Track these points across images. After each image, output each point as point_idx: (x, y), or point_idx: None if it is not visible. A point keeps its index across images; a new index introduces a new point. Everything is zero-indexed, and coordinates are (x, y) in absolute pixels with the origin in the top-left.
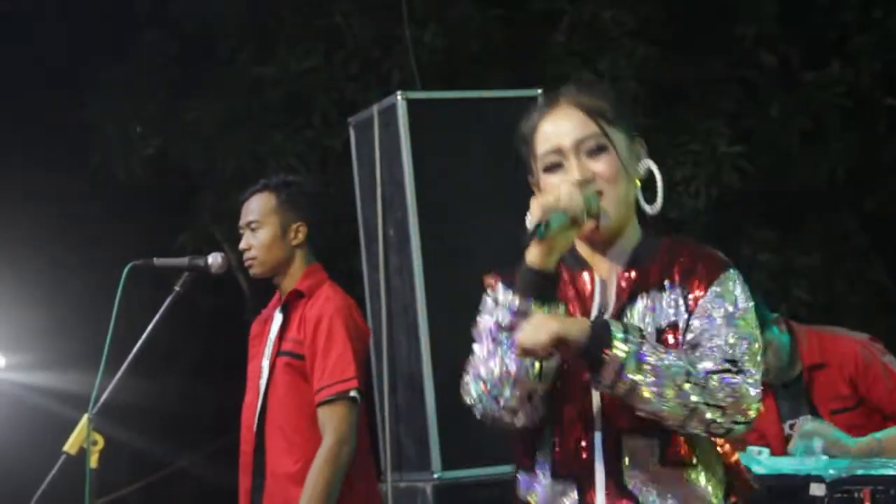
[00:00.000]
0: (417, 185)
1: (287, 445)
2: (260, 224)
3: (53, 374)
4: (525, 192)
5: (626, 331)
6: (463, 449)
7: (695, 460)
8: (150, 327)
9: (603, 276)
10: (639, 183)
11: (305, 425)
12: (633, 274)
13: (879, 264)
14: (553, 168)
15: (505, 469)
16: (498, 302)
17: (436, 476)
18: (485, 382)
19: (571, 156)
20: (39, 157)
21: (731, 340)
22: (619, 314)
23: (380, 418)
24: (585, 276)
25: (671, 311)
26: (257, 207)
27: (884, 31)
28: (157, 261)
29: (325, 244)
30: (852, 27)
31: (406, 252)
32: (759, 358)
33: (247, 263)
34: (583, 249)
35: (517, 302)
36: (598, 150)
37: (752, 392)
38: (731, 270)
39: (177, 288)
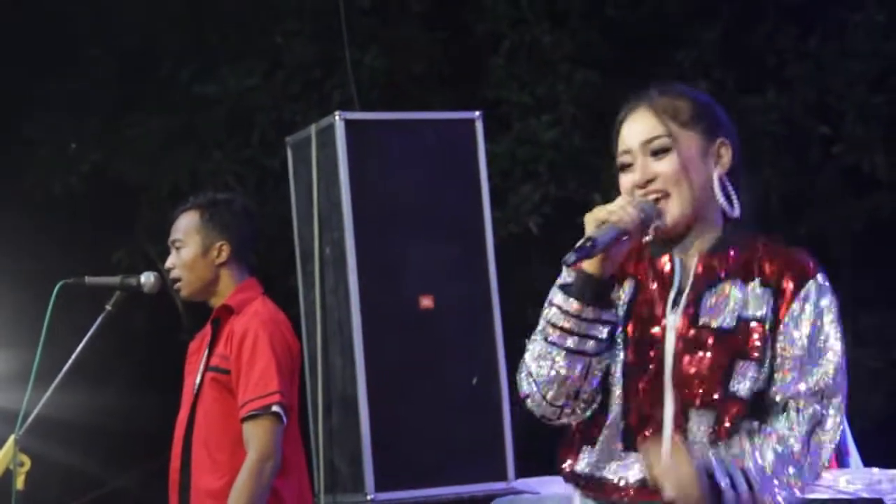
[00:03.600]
0: (354, 205)
1: (211, 462)
2: (183, 243)
3: None
4: (463, 210)
5: (728, 475)
6: (397, 470)
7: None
8: (80, 346)
9: (685, 260)
10: (716, 179)
11: (230, 441)
12: (714, 261)
13: None
14: (625, 168)
15: (437, 491)
16: (554, 303)
17: (369, 497)
18: (535, 381)
19: (639, 156)
20: None
21: (816, 372)
22: (696, 299)
23: (313, 438)
24: (665, 259)
25: (758, 303)
26: (182, 226)
27: (819, 59)
28: (88, 280)
29: (261, 263)
30: (789, 55)
31: (342, 271)
32: (839, 379)
33: (174, 285)
34: (670, 240)
35: (574, 306)
36: (662, 151)
37: (832, 432)
38: (820, 276)
39: (108, 307)
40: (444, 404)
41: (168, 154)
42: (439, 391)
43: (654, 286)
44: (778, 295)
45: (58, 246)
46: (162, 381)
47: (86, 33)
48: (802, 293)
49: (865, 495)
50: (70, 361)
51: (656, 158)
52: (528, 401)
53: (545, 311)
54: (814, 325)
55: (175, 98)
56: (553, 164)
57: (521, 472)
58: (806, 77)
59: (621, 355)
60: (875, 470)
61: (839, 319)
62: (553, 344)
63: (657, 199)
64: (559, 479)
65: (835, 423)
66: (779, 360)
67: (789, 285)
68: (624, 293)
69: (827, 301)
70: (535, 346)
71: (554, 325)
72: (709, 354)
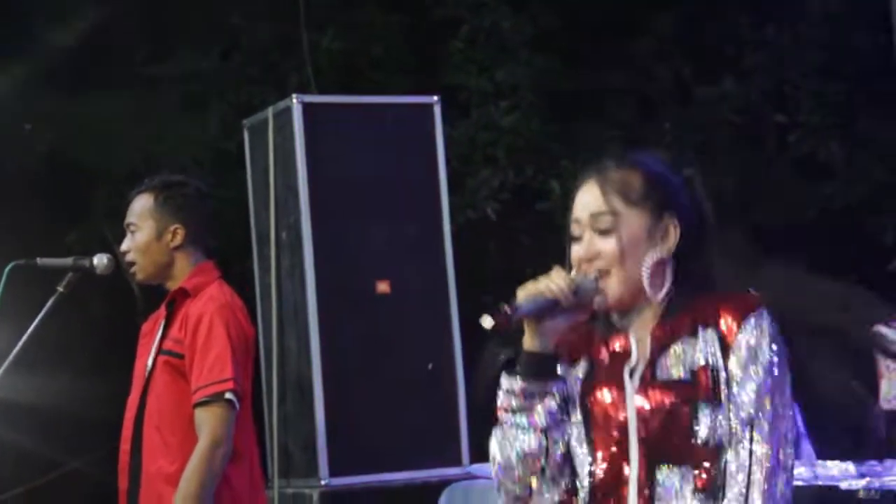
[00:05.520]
0: (311, 189)
1: (163, 446)
2: (137, 227)
3: None
4: (421, 196)
5: None
6: (351, 455)
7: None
8: (31, 327)
9: (637, 335)
10: (646, 263)
11: (182, 426)
12: (666, 327)
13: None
14: (574, 239)
15: (392, 476)
16: (503, 388)
17: (323, 483)
18: (502, 467)
19: (587, 230)
20: None
21: (761, 402)
22: (652, 363)
23: (268, 423)
24: (620, 336)
25: (704, 352)
26: (136, 209)
27: (776, 49)
28: (40, 261)
29: (218, 247)
30: (746, 44)
31: (298, 255)
32: (776, 401)
33: (130, 269)
34: (616, 314)
35: (518, 384)
36: (606, 231)
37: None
38: (760, 309)
39: (60, 288)
40: (399, 390)
41: (124, 136)
42: (395, 377)
43: (609, 361)
44: (722, 335)
45: (11, 228)
46: (119, 364)
47: (40, 11)
48: (744, 326)
49: (820, 483)
50: (21, 342)
51: (601, 236)
52: (503, 490)
53: (498, 400)
54: (753, 353)
55: (131, 79)
56: (511, 150)
57: (476, 458)
58: (763, 66)
59: (583, 430)
60: (829, 463)
61: (780, 344)
62: (508, 425)
63: (598, 277)
64: None
65: (764, 448)
66: (730, 397)
67: (732, 323)
68: (580, 371)
69: (767, 328)
70: (495, 435)
71: (505, 409)
72: (669, 408)
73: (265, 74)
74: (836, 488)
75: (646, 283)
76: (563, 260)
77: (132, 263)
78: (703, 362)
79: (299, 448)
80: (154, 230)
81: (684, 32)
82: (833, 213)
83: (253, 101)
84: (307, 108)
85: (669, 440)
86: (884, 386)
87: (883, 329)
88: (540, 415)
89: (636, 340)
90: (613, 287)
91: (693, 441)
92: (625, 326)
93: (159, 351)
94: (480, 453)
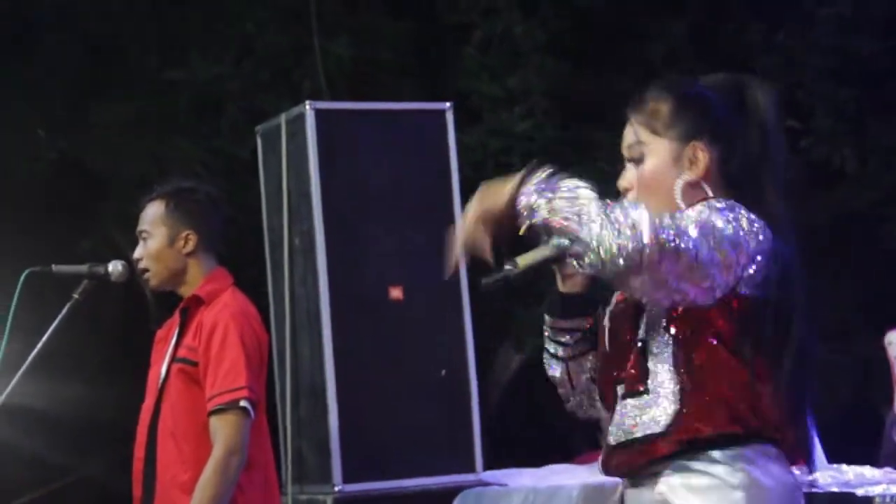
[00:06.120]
0: (324, 195)
1: (178, 454)
2: (149, 233)
3: None
4: (433, 202)
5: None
6: (365, 461)
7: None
8: (47, 334)
9: None
10: (678, 186)
11: (197, 434)
12: None
13: None
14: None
15: (405, 482)
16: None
17: (337, 489)
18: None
19: (627, 162)
20: None
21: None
22: None
23: (282, 429)
24: None
25: None
26: (148, 216)
27: (787, 53)
28: (55, 268)
29: (230, 253)
30: (757, 49)
31: (311, 261)
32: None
33: (143, 276)
34: None
35: (548, 320)
36: (637, 160)
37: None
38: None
39: (75, 295)
40: (412, 396)
41: (136, 142)
42: (408, 382)
43: None
44: None
45: (23, 235)
46: (131, 370)
47: (52, 18)
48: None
49: (835, 489)
50: (36, 350)
51: (634, 165)
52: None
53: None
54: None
55: (143, 85)
56: (525, 156)
57: (490, 464)
58: (774, 71)
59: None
60: (844, 467)
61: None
62: (545, 353)
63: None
64: (527, 471)
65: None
66: None
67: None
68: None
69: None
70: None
71: (545, 337)
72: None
73: (278, 81)
74: (852, 494)
75: (680, 204)
76: None
77: (145, 270)
78: None
79: (313, 454)
80: (166, 237)
81: (696, 37)
82: (845, 219)
83: (265, 108)
84: (320, 114)
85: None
86: None
87: None
88: (559, 347)
89: None
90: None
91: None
92: None
93: (173, 358)
94: (493, 459)
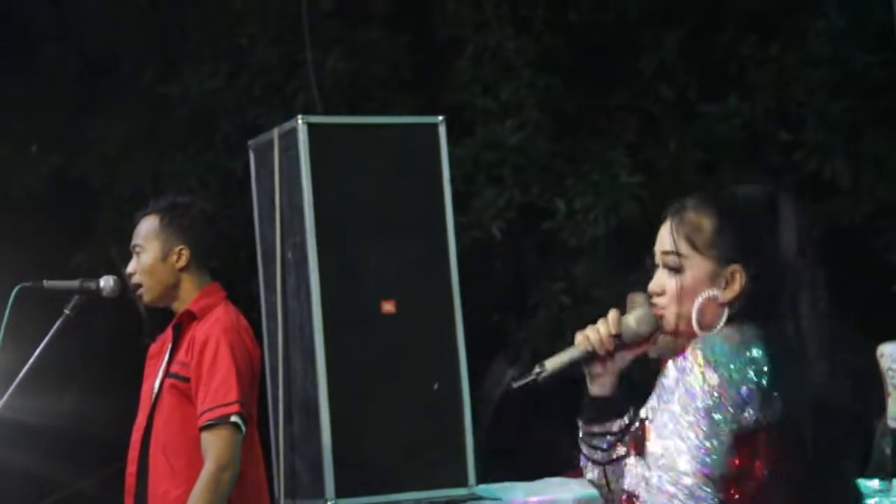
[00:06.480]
0: (317, 209)
1: (169, 469)
2: (143, 248)
3: None
4: (426, 215)
5: None
6: (358, 476)
7: None
8: (39, 349)
9: None
10: (704, 299)
11: (188, 449)
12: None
13: None
14: (653, 268)
15: (398, 497)
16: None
17: (330, 503)
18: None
19: (660, 264)
20: None
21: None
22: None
23: (274, 443)
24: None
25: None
26: (142, 231)
27: (780, 66)
28: (46, 283)
29: (223, 267)
30: (750, 62)
31: (304, 275)
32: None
33: (136, 291)
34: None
35: (581, 426)
36: (674, 269)
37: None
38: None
39: (66, 311)
40: (405, 410)
41: (130, 156)
42: (401, 396)
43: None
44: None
45: (17, 248)
46: (124, 385)
47: (48, 33)
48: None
49: None
50: (28, 365)
51: (669, 273)
52: None
53: None
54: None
55: (137, 100)
56: (517, 169)
57: (482, 479)
58: (767, 83)
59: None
60: None
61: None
62: (581, 457)
63: (660, 314)
64: (520, 484)
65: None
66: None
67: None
68: None
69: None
70: None
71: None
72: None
73: (270, 95)
74: None
75: (693, 319)
76: (567, 278)
77: (139, 285)
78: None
79: (306, 469)
80: (159, 251)
81: (688, 50)
82: (838, 232)
83: (258, 122)
84: (312, 128)
85: None
86: (891, 405)
87: (889, 348)
88: (595, 451)
89: None
90: (669, 321)
91: None
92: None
93: (166, 374)
94: (485, 474)
